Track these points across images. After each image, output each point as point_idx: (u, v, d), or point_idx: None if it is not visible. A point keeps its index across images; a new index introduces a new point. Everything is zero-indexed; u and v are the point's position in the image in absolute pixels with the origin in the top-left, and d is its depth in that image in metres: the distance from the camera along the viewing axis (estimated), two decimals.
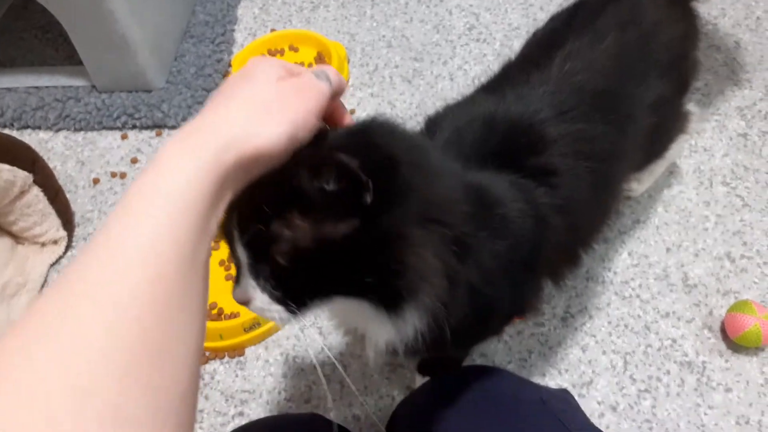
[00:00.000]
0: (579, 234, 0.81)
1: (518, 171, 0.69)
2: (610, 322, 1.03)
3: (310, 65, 1.47)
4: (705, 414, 0.93)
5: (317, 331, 1.07)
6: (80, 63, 1.41)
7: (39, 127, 1.44)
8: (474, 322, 0.66)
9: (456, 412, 0.67)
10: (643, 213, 1.16)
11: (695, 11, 0.96)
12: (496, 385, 0.72)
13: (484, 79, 0.86)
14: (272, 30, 1.58)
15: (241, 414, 1.00)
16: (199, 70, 1.47)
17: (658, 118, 0.85)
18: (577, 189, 0.73)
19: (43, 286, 1.18)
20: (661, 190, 1.18)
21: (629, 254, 1.11)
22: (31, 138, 1.42)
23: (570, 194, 0.71)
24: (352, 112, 1.39)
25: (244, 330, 1.05)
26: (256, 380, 1.03)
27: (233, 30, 1.60)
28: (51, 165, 1.25)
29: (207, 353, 1.06)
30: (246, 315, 1.05)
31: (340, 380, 1.01)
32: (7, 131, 1.42)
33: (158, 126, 1.41)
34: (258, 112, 0.43)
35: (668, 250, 1.11)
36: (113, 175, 1.34)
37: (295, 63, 1.18)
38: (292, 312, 0.51)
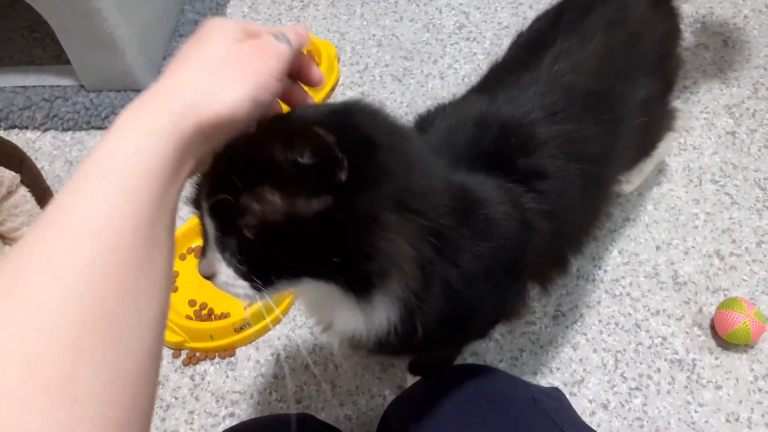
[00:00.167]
0: (568, 238, 0.81)
1: (508, 173, 0.68)
2: (600, 321, 1.04)
3: None
4: (695, 411, 0.94)
5: (308, 331, 1.06)
6: (68, 62, 1.40)
7: (26, 127, 1.43)
8: (453, 323, 0.65)
9: (448, 411, 0.67)
10: (633, 211, 1.16)
11: (677, 10, 0.96)
12: (488, 383, 0.72)
13: (474, 80, 0.86)
14: None
15: (232, 415, 0.99)
16: None
17: (646, 117, 0.86)
18: (567, 193, 0.72)
19: None
20: (651, 188, 1.18)
21: (619, 252, 1.11)
22: (18, 138, 1.40)
23: (559, 198, 0.71)
24: None
25: (235, 330, 1.04)
26: (247, 381, 1.03)
27: None
28: (39, 165, 1.24)
29: (197, 354, 1.05)
30: (237, 315, 1.05)
31: (332, 380, 1.01)
32: None
33: None
34: (217, 73, 0.42)
35: (658, 248, 1.11)
36: None
37: None
38: (257, 289, 0.50)
